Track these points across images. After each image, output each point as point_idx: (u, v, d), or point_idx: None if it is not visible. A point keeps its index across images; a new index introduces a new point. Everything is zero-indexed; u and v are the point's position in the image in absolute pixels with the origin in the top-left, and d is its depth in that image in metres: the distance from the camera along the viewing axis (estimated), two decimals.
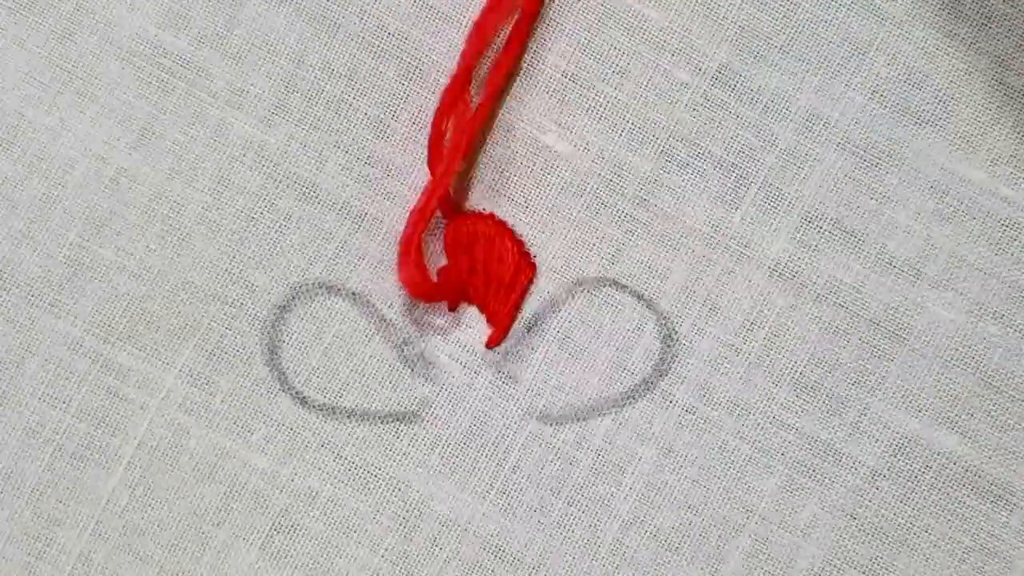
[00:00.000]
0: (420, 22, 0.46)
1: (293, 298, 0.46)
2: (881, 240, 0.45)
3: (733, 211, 0.45)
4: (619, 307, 0.45)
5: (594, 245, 0.45)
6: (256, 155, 0.46)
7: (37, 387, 0.46)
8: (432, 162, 0.44)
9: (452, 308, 0.46)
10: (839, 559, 0.45)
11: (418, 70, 0.46)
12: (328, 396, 0.46)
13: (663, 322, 0.45)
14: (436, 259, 0.45)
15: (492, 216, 0.45)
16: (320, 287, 0.46)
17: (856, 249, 0.45)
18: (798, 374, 0.45)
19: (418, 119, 0.46)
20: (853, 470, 0.45)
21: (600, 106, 0.45)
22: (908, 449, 0.45)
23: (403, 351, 0.46)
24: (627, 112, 0.45)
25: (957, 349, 0.45)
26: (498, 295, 0.45)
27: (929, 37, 0.45)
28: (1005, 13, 0.45)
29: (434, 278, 0.45)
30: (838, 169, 0.45)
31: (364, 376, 0.46)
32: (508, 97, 0.45)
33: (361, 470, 0.46)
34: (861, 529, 0.45)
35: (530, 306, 0.45)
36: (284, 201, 0.46)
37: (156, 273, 0.46)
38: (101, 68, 0.46)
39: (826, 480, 0.45)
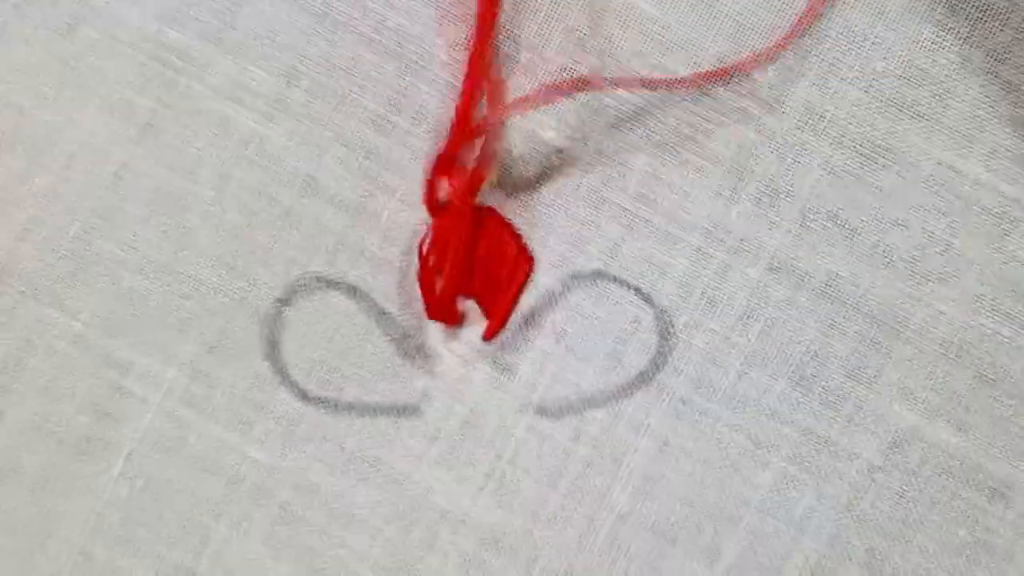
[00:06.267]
0: (421, 17, 0.46)
1: (293, 292, 0.46)
2: (878, 234, 0.45)
3: (731, 205, 0.45)
4: (616, 300, 0.46)
5: (592, 240, 0.46)
6: (257, 150, 0.46)
7: (39, 380, 0.46)
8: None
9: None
10: (835, 552, 0.45)
11: (418, 65, 0.46)
12: (328, 390, 0.46)
13: (660, 315, 0.45)
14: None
15: (492, 210, 0.45)
16: (320, 281, 0.46)
17: (853, 243, 0.45)
18: (795, 367, 0.45)
19: (418, 114, 0.46)
20: (850, 463, 0.45)
21: (598, 101, 0.45)
22: (905, 443, 0.45)
23: (402, 344, 0.46)
24: (625, 107, 0.45)
25: (953, 343, 0.45)
26: (497, 289, 0.45)
27: (925, 31, 0.45)
28: (1001, 7, 0.45)
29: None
30: (835, 163, 0.45)
31: (364, 369, 0.46)
32: (507, 91, 0.46)
33: (361, 463, 0.46)
34: (858, 522, 0.45)
35: (527, 299, 0.46)
36: (284, 195, 0.46)
37: (158, 267, 0.46)
38: (103, 63, 0.46)
39: (823, 473, 0.45)
